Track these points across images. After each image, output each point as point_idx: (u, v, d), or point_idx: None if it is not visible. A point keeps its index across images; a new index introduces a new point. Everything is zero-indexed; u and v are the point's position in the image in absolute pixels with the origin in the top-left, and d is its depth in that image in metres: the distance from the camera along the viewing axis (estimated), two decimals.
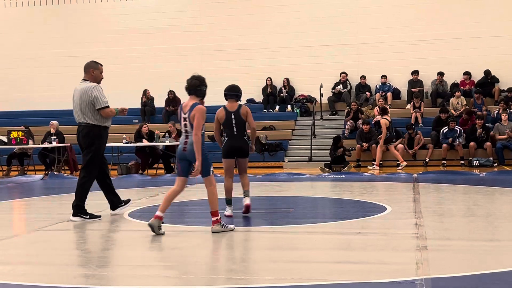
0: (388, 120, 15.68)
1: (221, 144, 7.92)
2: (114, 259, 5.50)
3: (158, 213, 6.52)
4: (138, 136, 15.66)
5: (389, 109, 16.63)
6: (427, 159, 15.80)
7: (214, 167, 6.72)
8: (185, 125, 6.59)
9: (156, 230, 6.46)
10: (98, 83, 7.84)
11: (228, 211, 7.78)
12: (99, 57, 20.58)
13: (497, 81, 18.51)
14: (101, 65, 7.98)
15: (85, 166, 7.79)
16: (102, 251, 5.96)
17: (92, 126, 7.70)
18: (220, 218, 6.66)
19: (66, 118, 19.50)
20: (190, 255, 5.66)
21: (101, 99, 7.66)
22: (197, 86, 6.62)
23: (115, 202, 8.14)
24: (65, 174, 15.33)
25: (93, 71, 7.81)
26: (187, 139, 6.57)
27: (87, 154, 7.76)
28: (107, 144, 16.58)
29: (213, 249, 6.06)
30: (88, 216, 7.71)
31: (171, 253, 5.78)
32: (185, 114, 6.59)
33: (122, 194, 8.54)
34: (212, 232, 6.56)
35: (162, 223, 6.55)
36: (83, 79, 7.84)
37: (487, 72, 18.41)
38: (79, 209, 7.72)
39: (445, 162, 15.65)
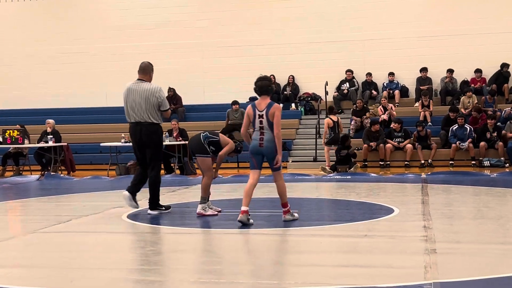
0: (332, 119, 15.56)
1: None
2: (111, 263, 5.51)
3: (244, 208, 7.25)
4: None
5: (335, 109, 16.47)
6: (430, 160, 15.66)
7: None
8: (261, 122, 7.34)
9: (246, 222, 7.18)
10: None
11: (199, 209, 8.07)
12: (97, 54, 20.79)
13: (508, 75, 18.45)
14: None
15: (155, 163, 8.37)
16: (100, 254, 5.96)
17: (157, 125, 8.36)
18: (289, 207, 7.40)
19: (62, 117, 19.56)
20: (191, 258, 5.66)
21: (166, 101, 8.42)
22: (268, 86, 7.41)
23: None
24: (62, 175, 15.35)
25: (150, 73, 8.52)
26: (262, 135, 7.35)
27: (155, 151, 8.34)
28: (105, 144, 16.61)
29: (215, 252, 6.07)
30: (164, 208, 8.45)
31: (171, 256, 5.79)
32: (261, 112, 7.33)
33: (121, 195, 8.55)
34: (284, 221, 7.34)
35: (249, 215, 7.26)
36: (138, 79, 8.45)
37: (503, 65, 18.29)
38: (156, 205, 8.44)
39: (452, 162, 15.59)
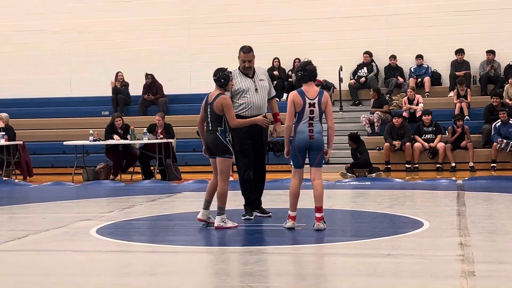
0: None
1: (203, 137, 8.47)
2: None
3: (291, 213, 7.94)
4: (110, 132, 15.66)
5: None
6: (471, 163, 15.64)
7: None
8: (311, 112, 7.85)
9: (293, 227, 7.89)
10: (243, 72, 9.12)
11: (200, 215, 8.26)
12: (59, 32, 20.74)
13: None
14: (243, 51, 9.23)
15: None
16: (65, 278, 5.96)
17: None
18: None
19: (17, 109, 19.52)
20: (176, 283, 5.66)
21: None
22: (316, 71, 7.97)
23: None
24: (16, 180, 15.33)
25: (239, 59, 9.13)
26: (312, 127, 7.88)
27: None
28: (70, 142, 16.51)
29: (200, 275, 6.07)
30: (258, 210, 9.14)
31: (150, 280, 5.79)
32: (312, 100, 7.84)
33: (89, 205, 8.56)
34: (316, 230, 7.73)
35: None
36: None
37: None
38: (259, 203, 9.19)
39: (495, 165, 15.58)
